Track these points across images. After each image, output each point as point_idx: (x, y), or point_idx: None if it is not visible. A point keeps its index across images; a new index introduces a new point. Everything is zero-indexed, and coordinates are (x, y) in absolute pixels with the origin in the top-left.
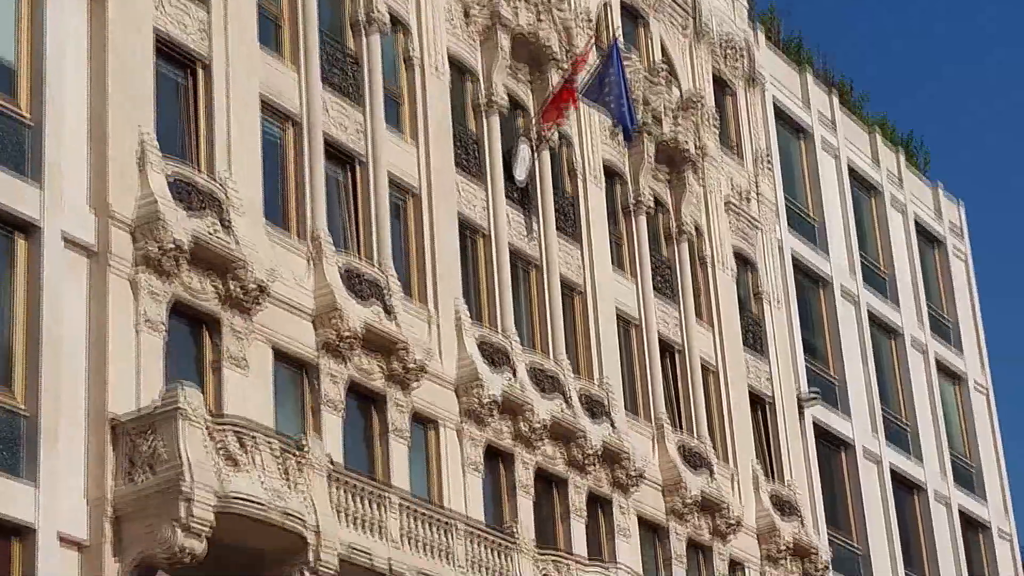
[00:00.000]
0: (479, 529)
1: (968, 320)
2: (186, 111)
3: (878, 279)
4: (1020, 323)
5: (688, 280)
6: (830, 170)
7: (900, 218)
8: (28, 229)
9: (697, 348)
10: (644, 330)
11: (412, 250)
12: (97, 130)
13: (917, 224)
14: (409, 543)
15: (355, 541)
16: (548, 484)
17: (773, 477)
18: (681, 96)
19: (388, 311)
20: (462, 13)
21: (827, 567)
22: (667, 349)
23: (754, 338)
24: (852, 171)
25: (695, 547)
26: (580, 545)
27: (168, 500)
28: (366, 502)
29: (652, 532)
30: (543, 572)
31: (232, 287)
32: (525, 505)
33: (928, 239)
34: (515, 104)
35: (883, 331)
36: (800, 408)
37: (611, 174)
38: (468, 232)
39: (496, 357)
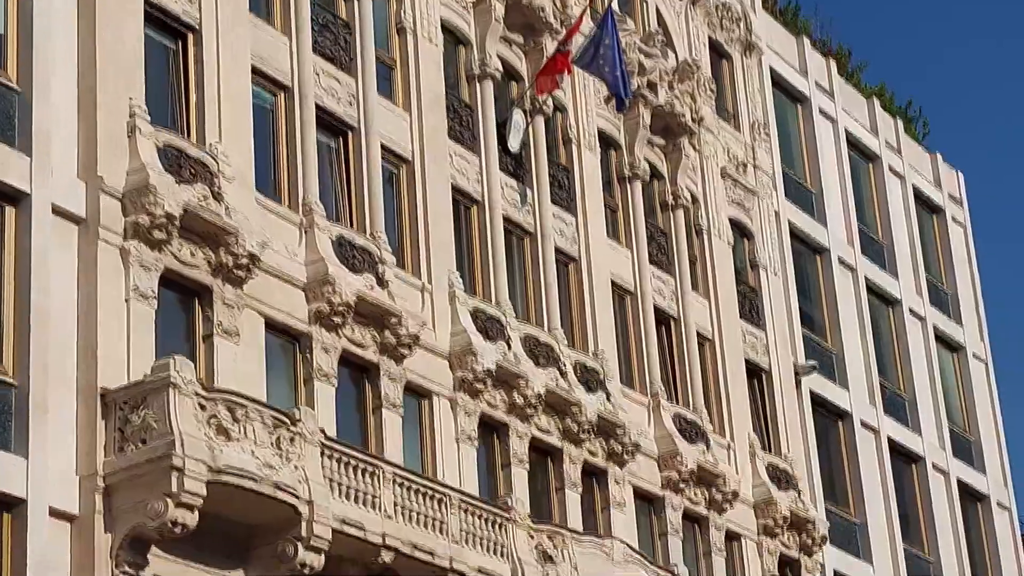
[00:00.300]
0: (473, 501)
1: (967, 290)
2: (176, 79)
3: (876, 249)
4: (1019, 293)
5: (684, 250)
6: (828, 139)
7: (899, 187)
8: (16, 199)
9: (693, 318)
10: (639, 300)
11: (405, 220)
12: (86, 99)
13: (916, 193)
14: (402, 516)
15: (348, 514)
16: (543, 456)
17: (770, 448)
18: (677, 63)
19: (381, 281)
20: None
21: (824, 539)
22: (663, 319)
23: (751, 308)
24: (850, 139)
25: (691, 519)
26: (575, 517)
27: (159, 472)
28: (359, 474)
29: (648, 504)
30: (537, 545)
31: (223, 257)
32: (519, 477)
33: (927, 208)
34: (509, 72)
35: (881, 301)
36: (797, 379)
37: (606, 142)
38: (461, 201)
39: (490, 328)
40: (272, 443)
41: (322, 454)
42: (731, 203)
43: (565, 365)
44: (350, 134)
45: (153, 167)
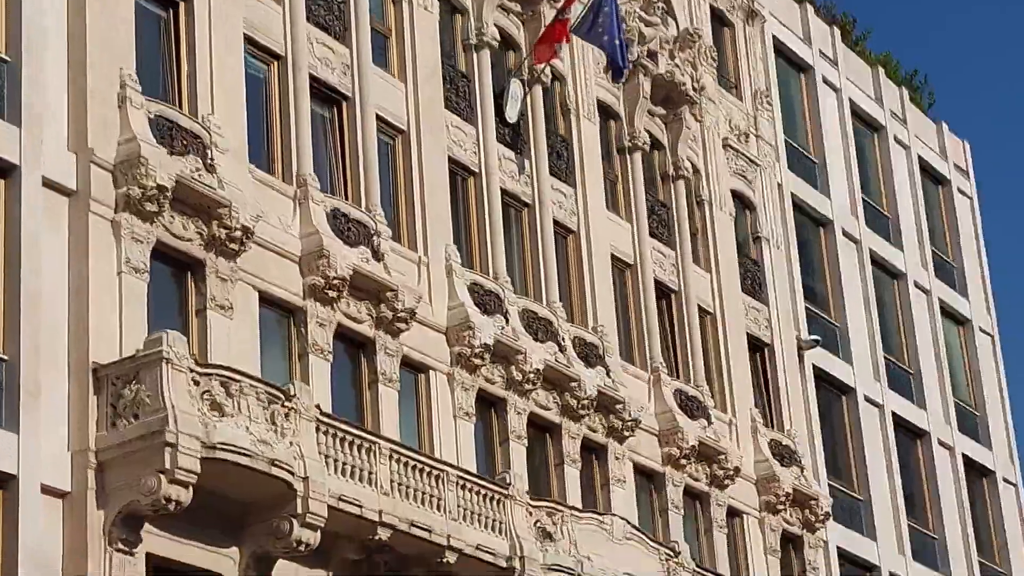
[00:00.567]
0: (471, 478)
1: (973, 262)
2: (168, 49)
3: (881, 220)
4: None
5: (685, 222)
6: (831, 108)
7: (903, 157)
8: (6, 171)
9: (694, 292)
10: (640, 273)
11: (401, 192)
12: (77, 69)
13: (921, 164)
14: (399, 492)
15: (344, 490)
16: (541, 432)
17: (772, 424)
18: (678, 31)
19: (376, 254)
20: None
21: (828, 515)
22: (663, 293)
23: (753, 281)
24: (854, 109)
25: (692, 496)
26: (574, 494)
27: (152, 448)
28: (355, 450)
29: (648, 480)
30: (536, 521)
31: (216, 230)
32: (518, 453)
33: (932, 179)
34: (506, 41)
35: (885, 273)
36: (800, 353)
37: (605, 112)
38: (458, 173)
39: (487, 302)
40: (267, 419)
41: (317, 430)
42: (733, 174)
43: (564, 340)
44: (344, 104)
45: (145, 138)
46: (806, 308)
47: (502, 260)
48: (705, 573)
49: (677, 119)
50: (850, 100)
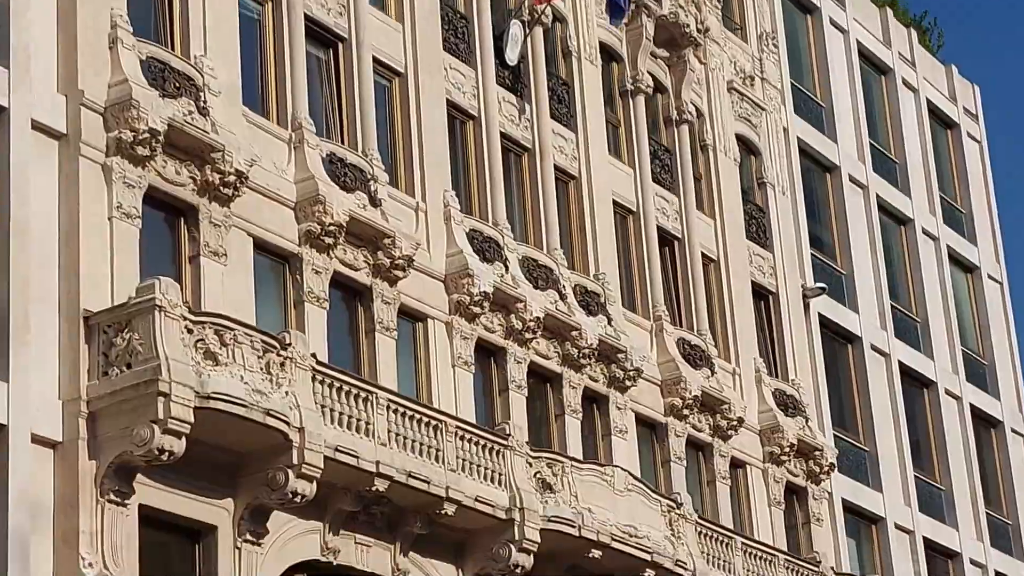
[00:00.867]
0: (470, 428)
1: (982, 208)
2: None
3: (888, 165)
4: None
5: (688, 167)
6: (838, 50)
7: (912, 101)
8: None
9: (698, 239)
10: (642, 220)
11: (398, 136)
12: (66, 9)
13: (930, 108)
14: (397, 443)
15: (341, 441)
16: (542, 382)
17: (776, 374)
18: None
19: (373, 200)
20: None
21: (832, 466)
22: (666, 240)
23: (757, 228)
24: (862, 51)
25: (695, 446)
26: (575, 445)
27: (145, 398)
28: (352, 400)
29: (650, 431)
30: (536, 473)
31: (209, 175)
32: (518, 403)
33: (941, 123)
34: None
35: (893, 220)
36: (805, 301)
37: (608, 55)
38: (457, 117)
39: (487, 249)
40: (262, 368)
41: (313, 379)
42: (738, 118)
43: (565, 287)
44: (340, 46)
45: (136, 80)
46: (812, 255)
47: (502, 206)
48: (708, 525)
49: (681, 62)
50: (857, 42)
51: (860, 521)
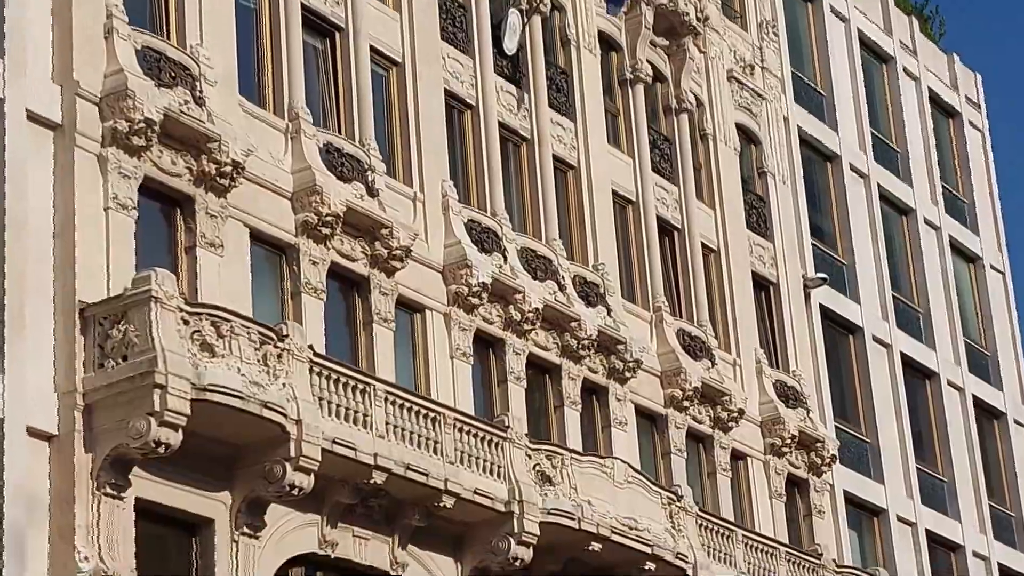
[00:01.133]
0: (468, 420)
1: (984, 198)
2: None
3: (889, 155)
4: None
5: (688, 157)
6: (839, 38)
7: (913, 90)
8: None
9: (697, 229)
10: (641, 210)
11: (396, 126)
12: None
13: (931, 96)
14: (395, 435)
15: (338, 433)
16: (540, 373)
17: (777, 365)
18: None
19: (371, 190)
20: None
21: (834, 458)
22: (666, 230)
23: (758, 218)
24: (863, 40)
25: (695, 438)
26: (574, 437)
27: (141, 390)
28: (349, 392)
29: (650, 423)
30: (535, 465)
31: (206, 165)
32: (516, 395)
33: (943, 112)
34: None
35: (894, 210)
36: (806, 292)
37: (607, 44)
38: (455, 106)
39: (485, 239)
40: (259, 360)
41: (311, 371)
42: (737, 107)
43: (564, 278)
44: (337, 35)
45: (131, 70)
46: (813, 245)
47: (500, 196)
48: (708, 517)
49: (680, 50)
50: (858, 30)
51: (862, 513)
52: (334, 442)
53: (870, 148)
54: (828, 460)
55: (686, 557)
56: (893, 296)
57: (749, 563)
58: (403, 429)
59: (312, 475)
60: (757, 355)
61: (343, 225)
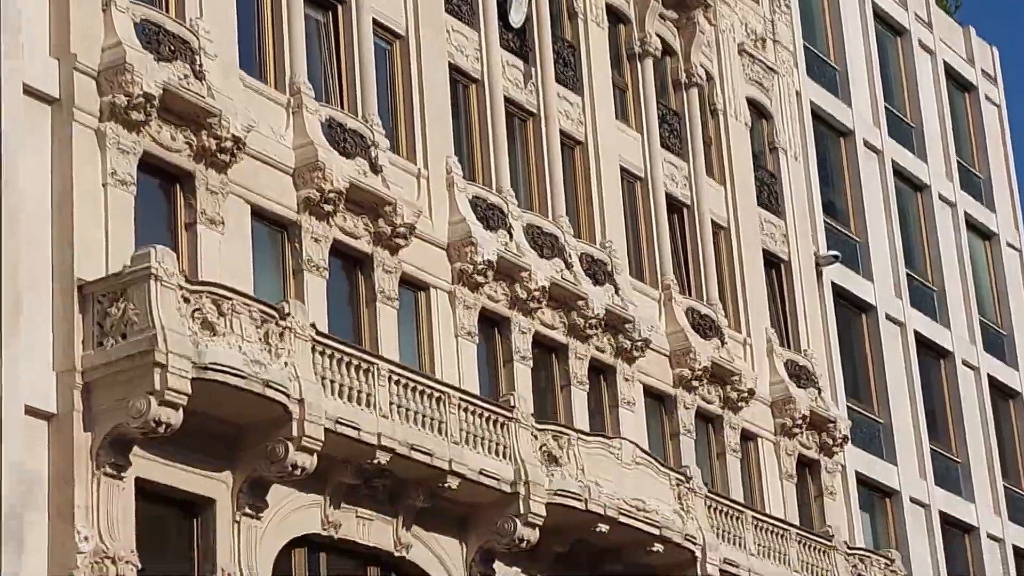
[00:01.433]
0: (473, 400)
1: (1001, 174)
2: None
3: (904, 130)
4: None
5: (698, 132)
6: (853, 11)
7: (929, 63)
8: None
9: (707, 206)
10: (650, 186)
11: (399, 101)
12: None
13: (947, 70)
14: (399, 415)
15: (341, 413)
16: (547, 352)
17: (788, 344)
18: None
19: (374, 167)
20: None
21: (846, 439)
22: (675, 207)
23: (769, 194)
24: (877, 12)
25: (704, 419)
26: (581, 417)
27: (141, 369)
28: (353, 371)
29: (658, 403)
30: (542, 445)
31: (206, 140)
32: (522, 375)
33: (959, 86)
34: None
35: (909, 186)
36: (818, 270)
37: (615, 16)
38: (459, 80)
39: (491, 216)
40: (260, 338)
41: (313, 350)
42: (749, 81)
43: (571, 256)
44: (339, 8)
45: (130, 44)
46: (825, 222)
47: (506, 173)
48: (717, 498)
49: (690, 23)
50: (873, 2)
51: (874, 495)
52: (337, 422)
53: (884, 123)
54: (840, 441)
55: (695, 539)
56: (907, 274)
57: (759, 545)
58: (407, 409)
59: (315, 455)
60: (768, 334)
61: (346, 202)
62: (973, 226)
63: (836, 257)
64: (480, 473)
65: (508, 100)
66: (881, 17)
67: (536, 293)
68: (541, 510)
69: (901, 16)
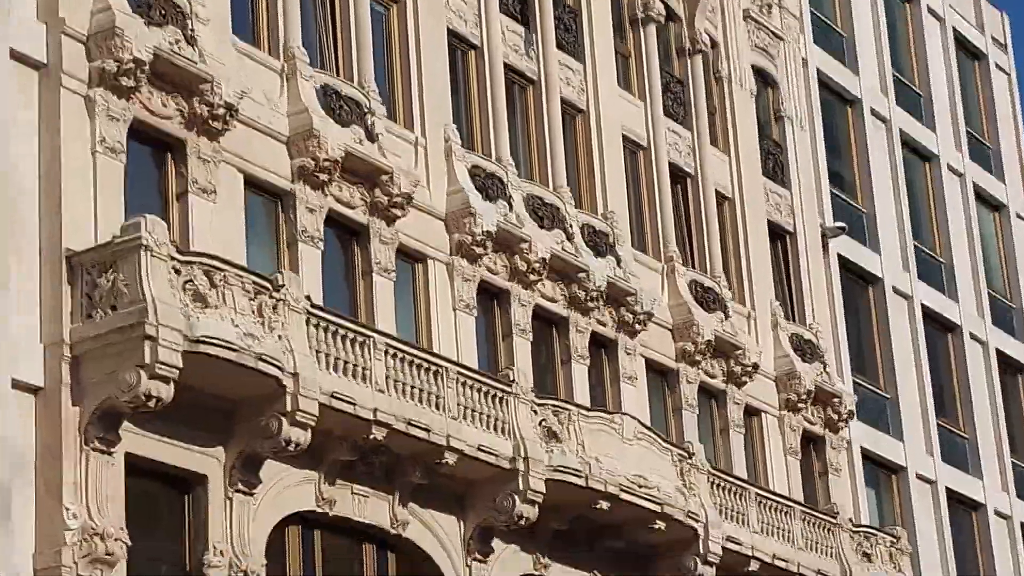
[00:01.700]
0: (472, 374)
1: (1011, 144)
2: None
3: (912, 98)
4: None
5: (702, 100)
6: None
7: (937, 30)
8: None
9: (711, 176)
10: (653, 156)
11: (396, 67)
12: None
13: (956, 37)
14: (396, 389)
15: (337, 387)
16: (547, 326)
17: (794, 317)
18: None
19: (370, 135)
20: None
21: (851, 414)
22: (678, 177)
23: (774, 164)
24: None
25: (707, 394)
26: (582, 392)
27: (131, 342)
28: (348, 345)
29: (661, 378)
30: (541, 421)
31: (198, 107)
32: (522, 349)
33: (968, 54)
34: None
35: (917, 156)
36: (824, 241)
37: None
38: (458, 47)
39: (490, 186)
40: (253, 311)
41: (308, 323)
42: (754, 48)
43: (572, 227)
44: None
45: (120, 8)
46: (831, 193)
47: (505, 142)
48: (720, 475)
49: None
50: None
51: (880, 471)
52: (332, 396)
53: (892, 91)
54: (845, 416)
55: (697, 516)
56: (914, 246)
57: (763, 522)
58: (404, 383)
59: (309, 430)
60: (772, 307)
61: (341, 171)
62: (982, 197)
63: (842, 228)
64: (478, 449)
65: (508, 67)
66: None
67: (536, 265)
68: (540, 486)
69: None
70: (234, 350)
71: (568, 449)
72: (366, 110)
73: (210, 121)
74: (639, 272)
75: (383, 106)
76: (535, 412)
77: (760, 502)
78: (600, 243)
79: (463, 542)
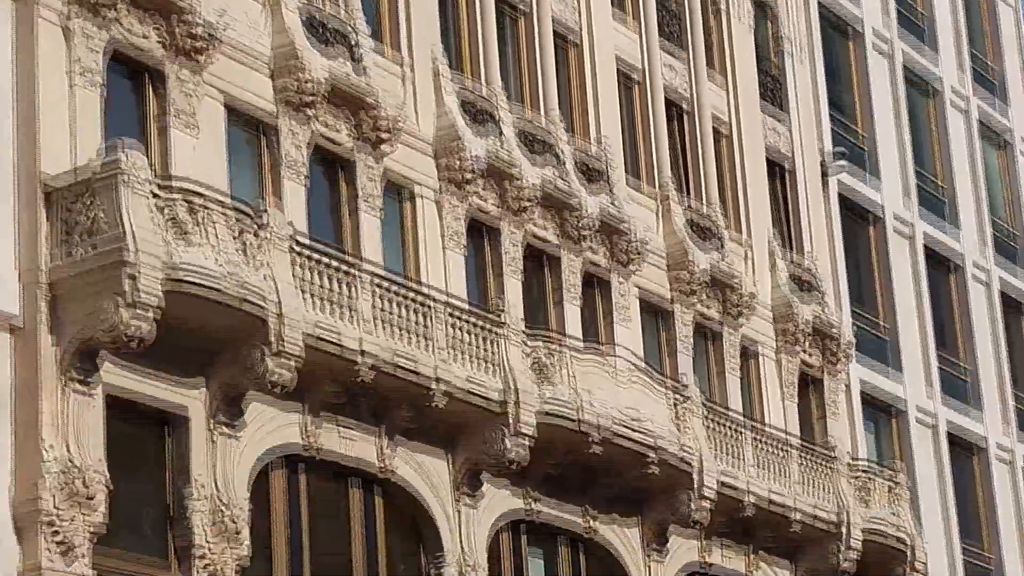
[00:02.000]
0: (461, 310)
1: (1016, 73)
2: None
3: (914, 25)
4: None
5: (698, 28)
6: None
7: None
8: None
9: (708, 105)
10: (648, 85)
11: None
12: None
13: None
14: (382, 325)
15: (322, 322)
16: (538, 260)
17: (792, 251)
18: None
19: (356, 61)
20: None
21: (850, 345)
22: (674, 107)
23: (773, 94)
24: None
25: (703, 330)
26: (574, 329)
27: (111, 275)
28: (334, 279)
29: (655, 314)
30: (532, 357)
31: (178, 32)
32: (513, 284)
33: None
34: None
35: (919, 86)
36: (824, 173)
37: None
38: None
39: (479, 114)
40: (237, 244)
41: (292, 257)
42: None
43: (564, 157)
44: None
45: None
46: (831, 123)
47: (496, 68)
48: (716, 409)
49: None
50: None
51: (879, 412)
52: (316, 326)
53: (894, 18)
54: (844, 351)
55: (692, 453)
56: (916, 178)
57: (759, 462)
58: (391, 319)
59: (294, 365)
60: (770, 240)
61: (326, 99)
62: (987, 128)
63: (843, 153)
64: (468, 380)
65: None
66: None
67: (527, 196)
68: (532, 421)
69: None
70: (216, 284)
71: (560, 386)
72: (351, 36)
73: (191, 47)
74: (633, 204)
75: (369, 31)
76: (527, 348)
77: (756, 440)
78: (593, 174)
79: (452, 483)
